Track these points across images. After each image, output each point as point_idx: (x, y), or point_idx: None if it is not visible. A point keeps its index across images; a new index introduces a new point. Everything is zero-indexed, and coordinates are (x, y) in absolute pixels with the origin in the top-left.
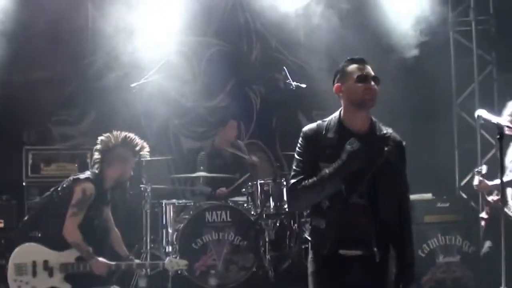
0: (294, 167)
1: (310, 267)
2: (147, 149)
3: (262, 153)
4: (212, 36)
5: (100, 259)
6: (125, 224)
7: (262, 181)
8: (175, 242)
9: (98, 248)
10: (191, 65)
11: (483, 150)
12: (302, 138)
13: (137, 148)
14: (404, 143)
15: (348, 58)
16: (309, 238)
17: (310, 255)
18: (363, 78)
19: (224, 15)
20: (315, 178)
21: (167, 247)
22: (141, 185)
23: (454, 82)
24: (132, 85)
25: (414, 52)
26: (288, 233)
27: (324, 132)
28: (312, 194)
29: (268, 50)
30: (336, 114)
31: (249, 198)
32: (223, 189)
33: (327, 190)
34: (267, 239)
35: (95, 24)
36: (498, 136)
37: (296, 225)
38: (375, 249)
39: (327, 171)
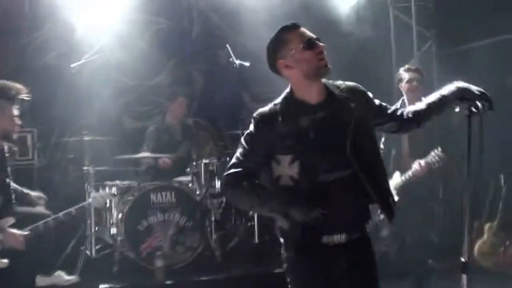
0: (236, 155)
1: (286, 251)
2: (25, 91)
3: (205, 131)
4: (153, 14)
5: (10, 230)
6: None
7: (207, 161)
8: (120, 224)
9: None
10: (132, 43)
11: None
12: (255, 125)
13: (12, 93)
14: (359, 86)
15: (280, 27)
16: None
17: (283, 242)
18: (311, 43)
19: None
20: (253, 191)
21: (111, 229)
22: (84, 167)
23: (394, 58)
24: (73, 65)
25: (355, 27)
26: (234, 211)
27: (280, 118)
28: (242, 204)
29: (210, 27)
30: (287, 94)
31: (194, 178)
32: (166, 159)
33: (260, 212)
34: (213, 219)
35: (32, 2)
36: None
37: None
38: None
39: (268, 198)
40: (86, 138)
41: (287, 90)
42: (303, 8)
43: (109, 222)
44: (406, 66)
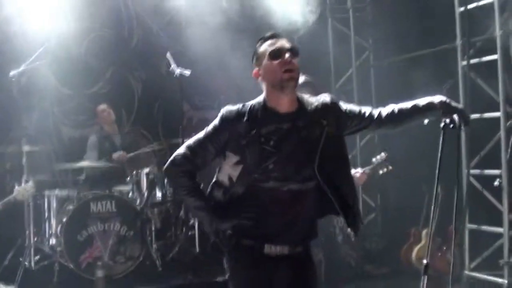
0: (192, 139)
1: (228, 261)
2: None
3: (145, 140)
4: (92, 21)
5: None
6: (6, 217)
7: (147, 170)
8: (59, 235)
9: None
10: (71, 51)
11: (361, 133)
12: (219, 118)
13: None
14: (333, 99)
15: (261, 37)
16: (228, 231)
17: (227, 248)
18: (277, 53)
19: (104, 0)
20: (189, 193)
21: (51, 240)
22: (22, 177)
23: (333, 67)
24: (11, 73)
25: (295, 37)
26: (174, 220)
27: (245, 118)
28: (178, 193)
29: (150, 36)
30: (260, 99)
31: (134, 187)
32: (122, 152)
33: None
34: (153, 228)
35: None
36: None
37: (182, 212)
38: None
39: (198, 208)
40: (24, 147)
41: (261, 95)
42: (243, 18)
43: (48, 232)
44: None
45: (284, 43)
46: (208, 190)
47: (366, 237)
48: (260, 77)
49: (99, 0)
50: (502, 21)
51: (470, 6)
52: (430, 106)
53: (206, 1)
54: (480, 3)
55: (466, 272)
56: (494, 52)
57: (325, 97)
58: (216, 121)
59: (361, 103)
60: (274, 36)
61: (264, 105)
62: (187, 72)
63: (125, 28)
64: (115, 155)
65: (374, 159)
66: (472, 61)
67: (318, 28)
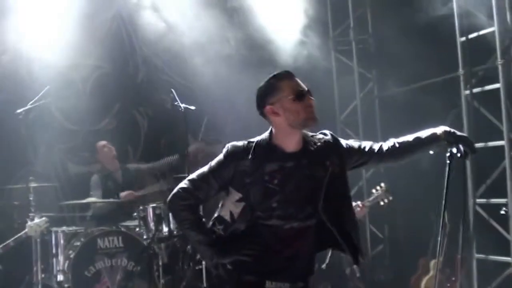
0: (196, 173)
1: None
2: None
3: (151, 176)
4: (97, 59)
5: None
6: (14, 254)
7: (154, 205)
8: (67, 271)
9: None
10: (77, 88)
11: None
12: (224, 153)
13: None
14: (334, 137)
15: (273, 74)
16: (228, 266)
17: (228, 283)
18: (302, 96)
19: (109, 37)
20: (190, 228)
21: (58, 276)
22: (30, 213)
23: (337, 99)
24: (18, 110)
25: (299, 69)
26: (182, 255)
27: (250, 156)
28: (183, 229)
29: (154, 71)
30: (265, 136)
31: (141, 222)
32: (130, 192)
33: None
34: (160, 263)
35: None
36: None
37: (189, 246)
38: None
39: (200, 242)
40: (32, 184)
41: (267, 132)
42: (247, 51)
43: (56, 268)
44: None
45: (303, 84)
46: (210, 224)
47: (375, 268)
48: (274, 115)
49: (104, 37)
50: (503, 50)
51: (471, 36)
52: (433, 138)
53: (208, 35)
54: (481, 32)
55: None
56: (497, 81)
57: (326, 136)
58: (220, 157)
59: (366, 134)
60: (292, 75)
61: (270, 143)
62: (192, 108)
63: (130, 64)
64: (123, 195)
65: (373, 191)
66: (475, 90)
67: (321, 60)
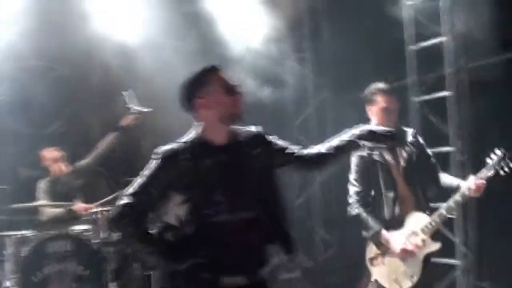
0: (134, 185)
1: None
2: None
3: (103, 179)
4: (51, 60)
5: None
6: None
7: (105, 208)
8: (14, 276)
9: None
10: (28, 91)
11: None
12: (156, 160)
13: None
14: (260, 131)
15: (203, 67)
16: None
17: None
18: (232, 89)
19: (63, 39)
20: (136, 241)
21: (5, 282)
22: None
23: (292, 106)
24: None
25: (252, 77)
26: (131, 259)
27: (183, 156)
28: (130, 244)
29: (110, 74)
30: (194, 133)
31: (91, 226)
32: (85, 205)
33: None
34: (110, 267)
35: None
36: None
37: None
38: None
39: (151, 253)
40: None
41: (196, 129)
42: (202, 53)
43: (3, 274)
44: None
45: (233, 79)
46: (158, 233)
47: (326, 272)
48: (204, 108)
49: (58, 39)
50: (451, 58)
51: (421, 45)
52: (353, 139)
53: (164, 37)
54: (431, 41)
55: None
56: (445, 89)
57: (253, 129)
58: (153, 164)
59: (320, 140)
60: (219, 69)
61: (200, 139)
62: (146, 110)
63: (85, 66)
64: (79, 208)
65: (489, 160)
66: (424, 97)
67: (276, 68)
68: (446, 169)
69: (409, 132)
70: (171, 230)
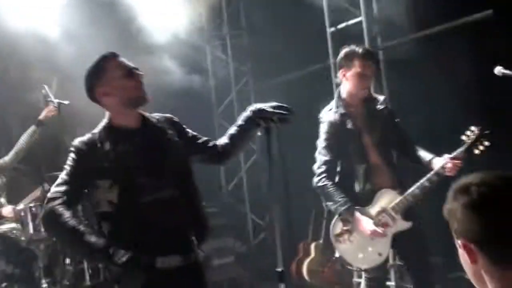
0: (56, 184)
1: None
2: None
3: (27, 176)
4: None
5: None
6: None
7: (32, 205)
8: None
9: None
10: None
11: (246, 156)
12: (74, 153)
13: None
14: (173, 117)
15: (100, 56)
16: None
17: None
18: (131, 72)
19: None
20: (71, 228)
21: None
22: None
23: (214, 94)
24: None
25: (175, 65)
26: (62, 256)
27: (99, 144)
28: (59, 238)
29: (27, 69)
30: (105, 122)
31: (18, 223)
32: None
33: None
34: (41, 265)
35: None
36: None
37: None
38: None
39: (92, 249)
40: None
41: (105, 119)
42: (120, 46)
43: None
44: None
45: (129, 62)
46: (96, 226)
47: (259, 257)
48: (106, 96)
49: None
50: (370, 39)
51: (340, 26)
52: (248, 120)
53: (84, 27)
54: (349, 22)
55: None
56: None
57: (166, 115)
58: (72, 156)
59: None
60: (116, 54)
61: (112, 126)
62: (66, 102)
63: (2, 62)
64: (5, 213)
65: (464, 137)
66: None
67: (196, 55)
68: None
69: (381, 99)
70: (107, 219)
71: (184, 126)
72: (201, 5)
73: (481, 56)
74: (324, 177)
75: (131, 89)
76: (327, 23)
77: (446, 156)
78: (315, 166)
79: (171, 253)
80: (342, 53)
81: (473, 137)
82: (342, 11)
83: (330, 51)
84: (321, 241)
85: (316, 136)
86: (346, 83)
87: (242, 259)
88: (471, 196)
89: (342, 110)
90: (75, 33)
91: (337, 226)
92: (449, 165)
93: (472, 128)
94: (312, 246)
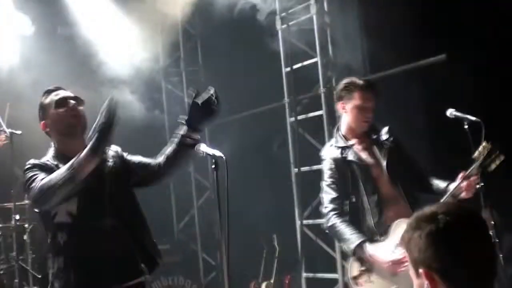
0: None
1: None
2: None
3: None
4: None
5: None
6: None
7: None
8: None
9: None
10: None
11: (198, 192)
12: (33, 166)
13: None
14: (116, 147)
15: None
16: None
17: None
18: (61, 102)
19: None
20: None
21: None
22: None
23: (168, 129)
24: None
25: (131, 99)
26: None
27: (51, 165)
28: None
29: None
30: (51, 153)
31: None
32: None
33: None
34: None
35: None
36: (213, 166)
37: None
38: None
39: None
40: None
41: (51, 148)
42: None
43: None
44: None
45: (68, 93)
46: (50, 239)
47: None
48: (48, 128)
49: None
50: (325, 80)
51: (295, 66)
52: (179, 138)
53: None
54: (305, 63)
55: None
56: (320, 108)
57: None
58: (31, 170)
59: (195, 163)
60: (58, 88)
61: (58, 153)
62: (18, 132)
63: None
64: None
65: (477, 153)
66: (300, 117)
67: (152, 90)
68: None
69: (384, 130)
70: (64, 229)
71: (125, 153)
72: (159, 40)
73: (433, 99)
74: (332, 215)
75: (63, 117)
76: (282, 63)
77: (460, 176)
78: (322, 207)
79: (110, 283)
80: (342, 84)
81: (485, 152)
82: (299, 52)
83: (285, 90)
84: (272, 281)
85: (268, 173)
86: (345, 115)
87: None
88: (438, 224)
89: (342, 144)
90: (34, 63)
91: (353, 268)
92: (464, 183)
93: (484, 143)
94: (263, 285)
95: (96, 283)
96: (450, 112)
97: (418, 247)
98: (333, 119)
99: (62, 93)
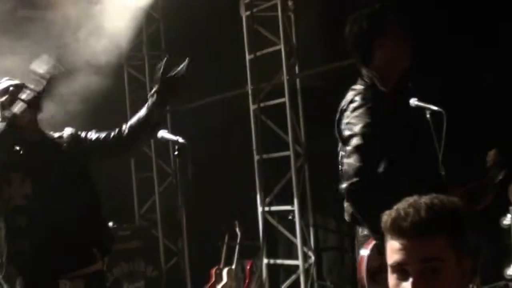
0: None
1: None
2: None
3: None
4: None
5: None
6: None
7: None
8: None
9: None
10: None
11: (160, 178)
12: None
13: None
14: (73, 130)
15: None
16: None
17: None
18: (5, 90)
19: None
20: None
21: None
22: None
23: (129, 113)
24: None
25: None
26: None
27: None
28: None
29: None
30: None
31: None
32: None
33: None
34: None
35: None
36: (176, 153)
37: None
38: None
39: None
40: None
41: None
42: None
43: None
44: None
45: (16, 81)
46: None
47: (170, 281)
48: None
49: None
50: (288, 67)
51: (258, 53)
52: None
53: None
54: (269, 50)
55: None
56: (283, 96)
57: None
58: None
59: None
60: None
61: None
62: None
63: None
64: None
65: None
66: (262, 104)
67: (114, 75)
68: (286, 173)
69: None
70: (23, 212)
71: (82, 133)
72: (122, 25)
73: None
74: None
75: (5, 106)
76: (246, 49)
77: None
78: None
79: (72, 265)
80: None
81: (492, 162)
82: (262, 38)
83: (249, 77)
84: (233, 267)
85: (230, 160)
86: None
87: (153, 284)
88: None
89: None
90: None
91: (373, 259)
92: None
93: (490, 153)
94: (225, 271)
95: (47, 268)
96: (412, 101)
97: None
98: (296, 106)
99: (10, 82)
